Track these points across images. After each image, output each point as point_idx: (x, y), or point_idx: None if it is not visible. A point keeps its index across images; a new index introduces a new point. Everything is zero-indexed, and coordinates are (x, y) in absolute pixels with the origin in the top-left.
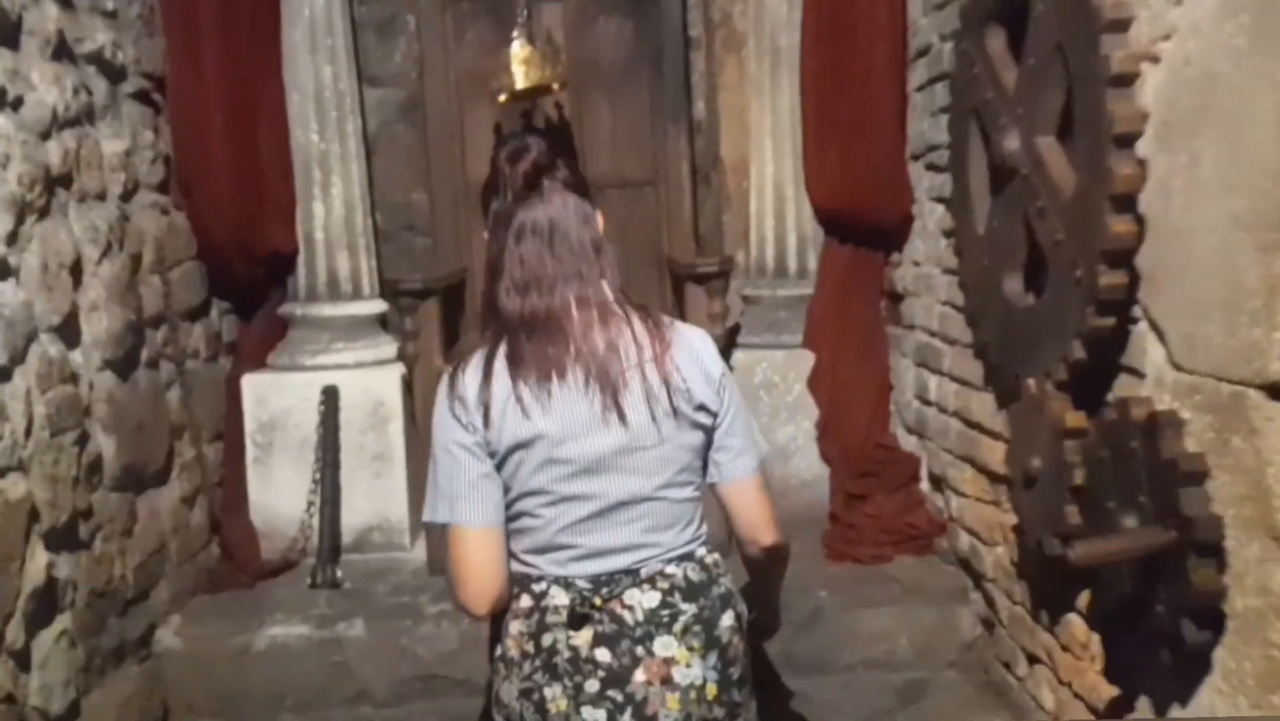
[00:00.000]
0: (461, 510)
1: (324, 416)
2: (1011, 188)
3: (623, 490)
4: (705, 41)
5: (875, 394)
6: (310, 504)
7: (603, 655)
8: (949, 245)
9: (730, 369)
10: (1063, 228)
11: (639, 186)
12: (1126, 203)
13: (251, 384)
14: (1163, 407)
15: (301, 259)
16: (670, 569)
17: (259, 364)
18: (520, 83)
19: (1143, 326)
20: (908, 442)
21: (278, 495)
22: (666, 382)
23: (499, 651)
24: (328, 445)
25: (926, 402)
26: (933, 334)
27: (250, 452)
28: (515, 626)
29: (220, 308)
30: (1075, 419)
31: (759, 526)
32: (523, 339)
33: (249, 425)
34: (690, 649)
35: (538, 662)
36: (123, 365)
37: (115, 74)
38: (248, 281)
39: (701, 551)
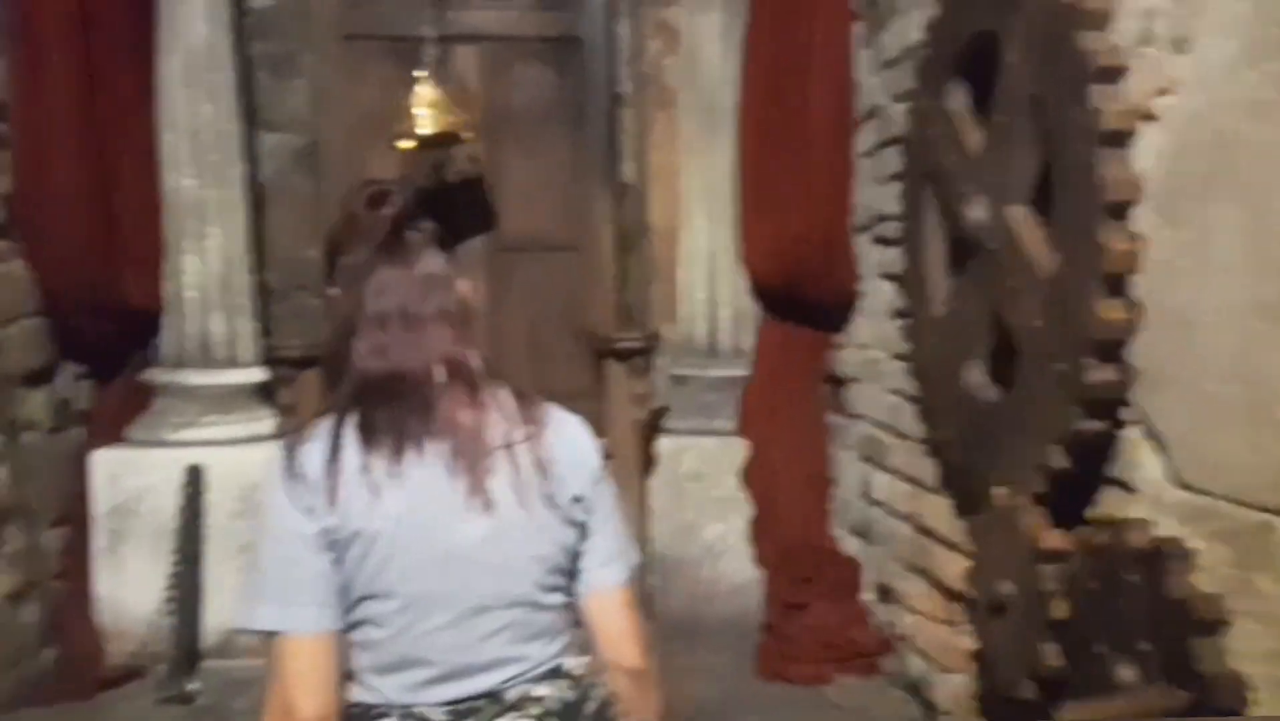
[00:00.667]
0: (292, 614)
1: (187, 499)
2: (975, 264)
3: (487, 591)
4: (635, 97)
5: (815, 489)
6: (167, 600)
7: None
8: (900, 327)
9: (655, 457)
10: (1040, 312)
11: (558, 250)
12: (1119, 284)
13: (104, 460)
14: (1164, 534)
15: (169, 320)
16: (539, 690)
17: (115, 437)
18: (426, 128)
19: (1136, 432)
20: (850, 545)
21: (130, 589)
22: (541, 469)
23: None
24: (189, 532)
25: (873, 502)
26: (880, 425)
27: (100, 539)
28: None
29: (73, 371)
30: (1055, 539)
31: (623, 648)
32: (378, 405)
33: (100, 507)
34: None
35: None
36: None
37: None
38: (102, 342)
39: (570, 663)
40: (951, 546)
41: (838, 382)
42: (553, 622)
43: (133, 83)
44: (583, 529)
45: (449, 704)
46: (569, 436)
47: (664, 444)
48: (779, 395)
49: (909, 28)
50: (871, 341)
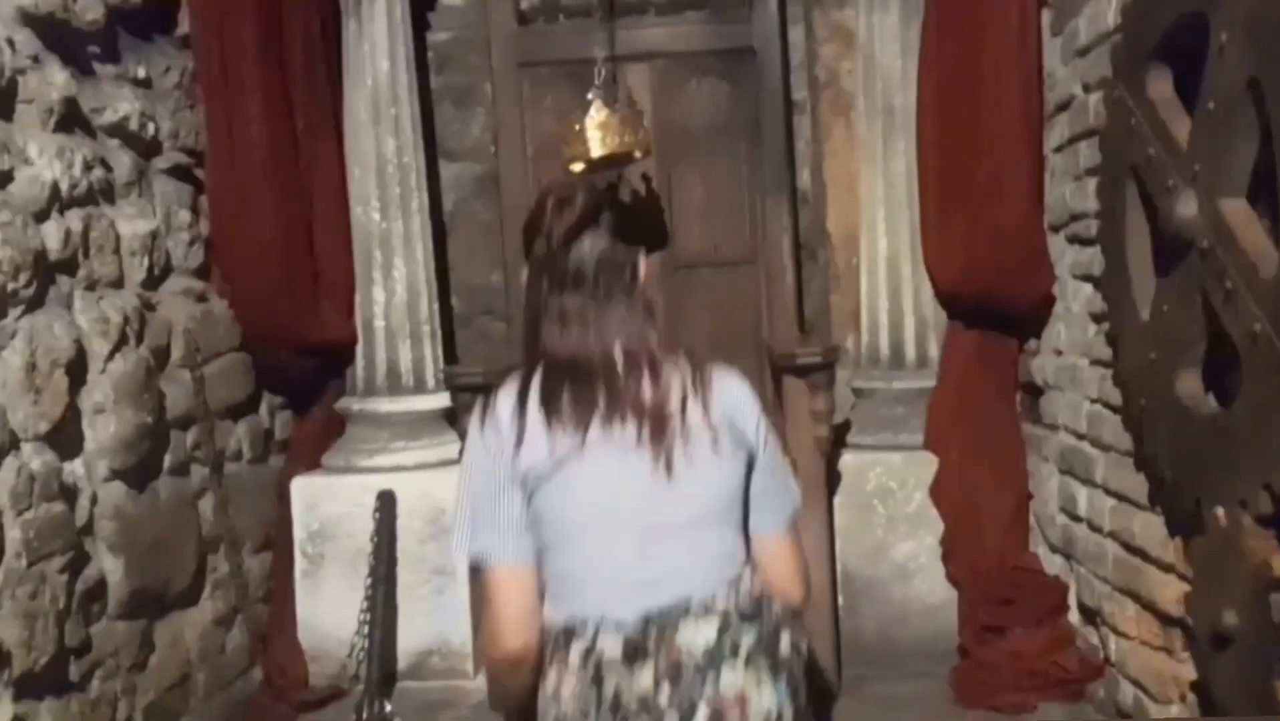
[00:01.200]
0: (495, 545)
1: (379, 524)
2: (1186, 264)
3: (667, 517)
4: (810, 104)
5: (1012, 505)
6: (362, 623)
7: (664, 697)
8: (1099, 332)
9: (838, 474)
10: (1264, 316)
11: (736, 265)
12: None
13: (302, 487)
14: None
15: (360, 349)
16: (720, 601)
17: (312, 464)
18: (596, 150)
19: None
20: (1052, 564)
21: (328, 612)
22: (711, 425)
23: (552, 715)
24: (381, 557)
25: (1075, 518)
26: (1081, 436)
27: (299, 564)
28: (570, 682)
29: (271, 402)
30: None
31: (787, 587)
32: (565, 380)
33: (298, 533)
34: (758, 678)
35: (604, 712)
36: (136, 474)
37: (145, 148)
38: (300, 374)
39: (748, 581)
40: (1165, 568)
41: (1033, 391)
42: (728, 549)
43: (321, 122)
44: (749, 470)
45: (639, 614)
46: (736, 391)
47: (848, 460)
48: (970, 405)
49: (1104, 12)
50: (1068, 347)
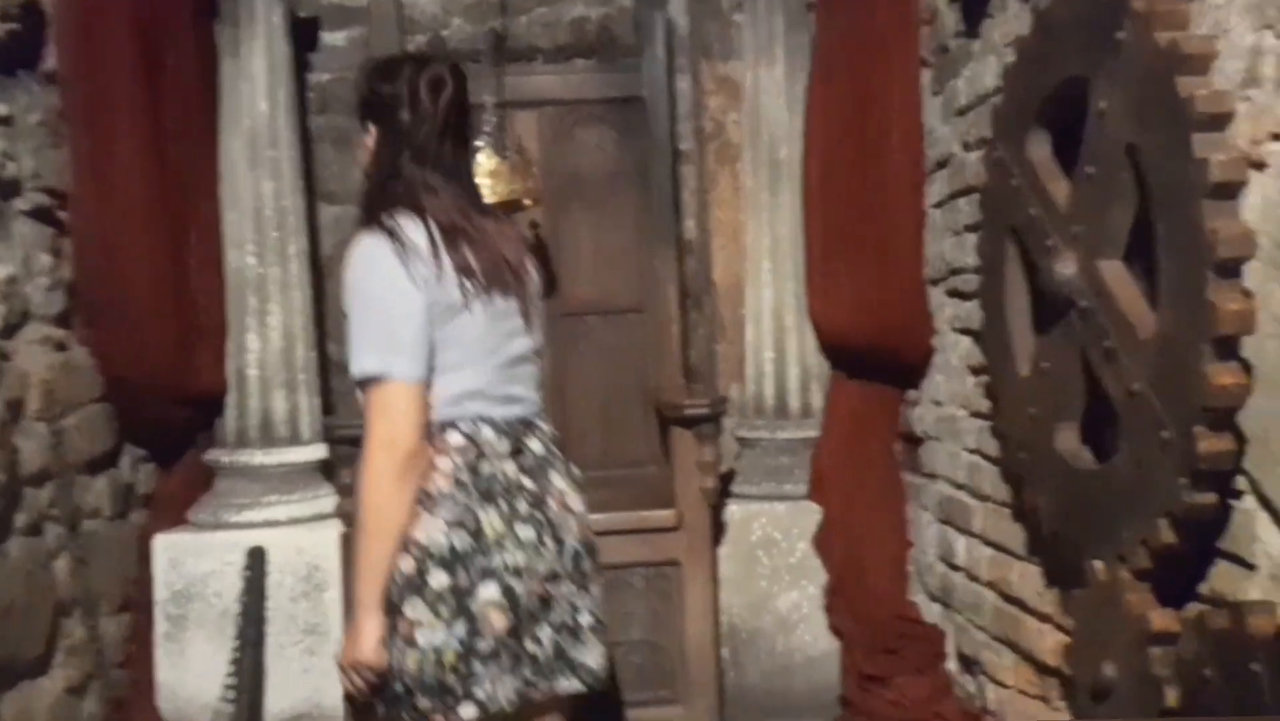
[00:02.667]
0: (402, 365)
1: (248, 582)
2: (1065, 323)
3: (524, 346)
4: (697, 153)
5: (893, 554)
6: (228, 687)
7: (528, 482)
8: (977, 384)
9: (723, 524)
10: (1142, 376)
11: (623, 313)
12: (1231, 347)
13: (165, 545)
14: None
15: (232, 398)
16: (541, 422)
17: (177, 520)
18: (487, 197)
19: (1250, 503)
20: (930, 612)
21: (191, 676)
22: (535, 283)
23: (422, 493)
24: (251, 617)
25: (953, 567)
26: (960, 486)
27: (161, 626)
28: (446, 463)
29: (134, 455)
30: (1163, 620)
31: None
32: (458, 232)
33: (160, 593)
34: (573, 486)
35: (473, 491)
36: None
37: (4, 188)
38: (166, 425)
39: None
40: (1043, 618)
41: (913, 441)
42: (538, 379)
43: (196, 164)
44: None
45: (506, 420)
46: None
47: (733, 510)
48: (852, 456)
49: (983, 74)
50: (947, 398)
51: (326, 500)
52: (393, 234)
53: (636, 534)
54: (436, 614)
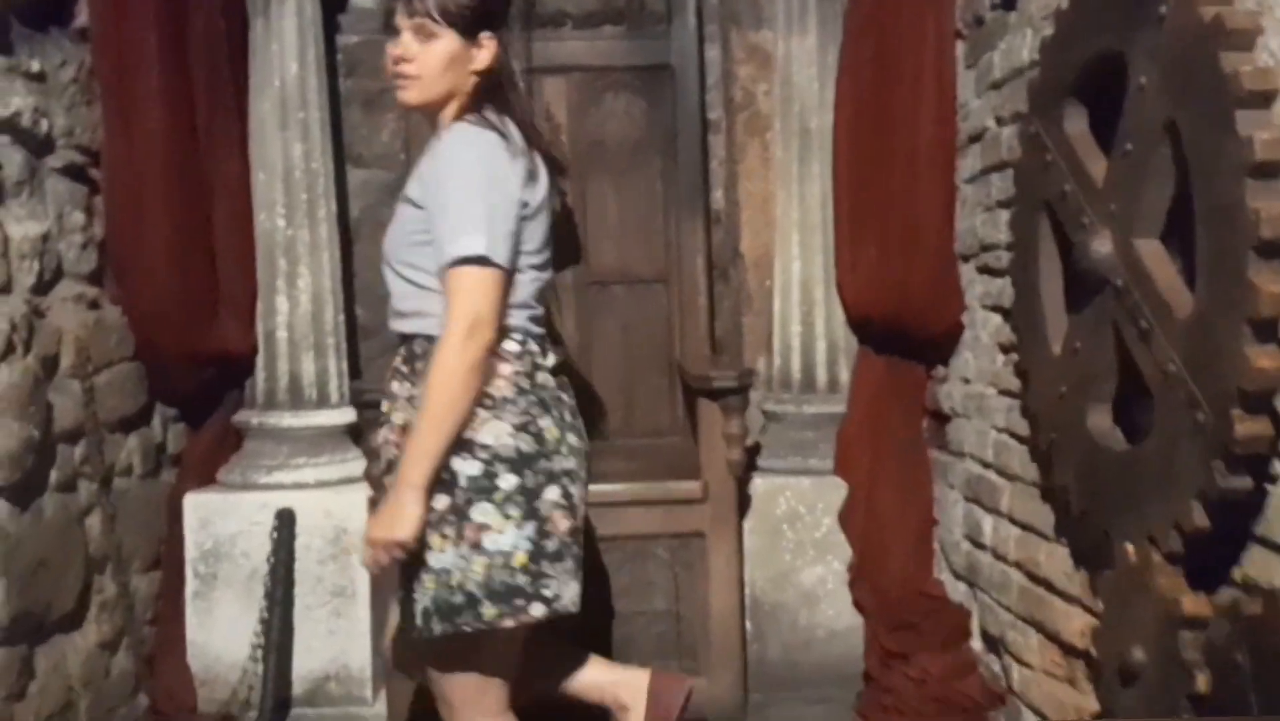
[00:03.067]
0: (502, 252)
1: (276, 544)
2: (1099, 301)
3: (550, 262)
4: (726, 124)
5: (917, 531)
6: (255, 647)
7: (564, 394)
8: (1006, 362)
9: (749, 497)
10: (1177, 357)
11: (648, 283)
12: (1270, 329)
13: (195, 504)
14: None
15: (261, 360)
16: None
17: (207, 480)
18: None
19: None
20: (955, 591)
21: (220, 635)
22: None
23: (484, 396)
24: (279, 578)
25: (979, 546)
26: (987, 465)
27: (190, 585)
28: (507, 368)
29: (165, 415)
30: (1194, 604)
31: None
32: (521, 115)
33: (190, 552)
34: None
35: (532, 398)
36: (20, 492)
37: (38, 145)
38: (196, 386)
39: None
40: (1070, 599)
41: (940, 418)
42: None
43: (225, 124)
44: None
45: (539, 335)
46: None
47: (759, 484)
48: (878, 431)
49: (1019, 47)
50: (976, 375)
51: (354, 464)
52: (500, 131)
53: (661, 505)
54: (506, 515)
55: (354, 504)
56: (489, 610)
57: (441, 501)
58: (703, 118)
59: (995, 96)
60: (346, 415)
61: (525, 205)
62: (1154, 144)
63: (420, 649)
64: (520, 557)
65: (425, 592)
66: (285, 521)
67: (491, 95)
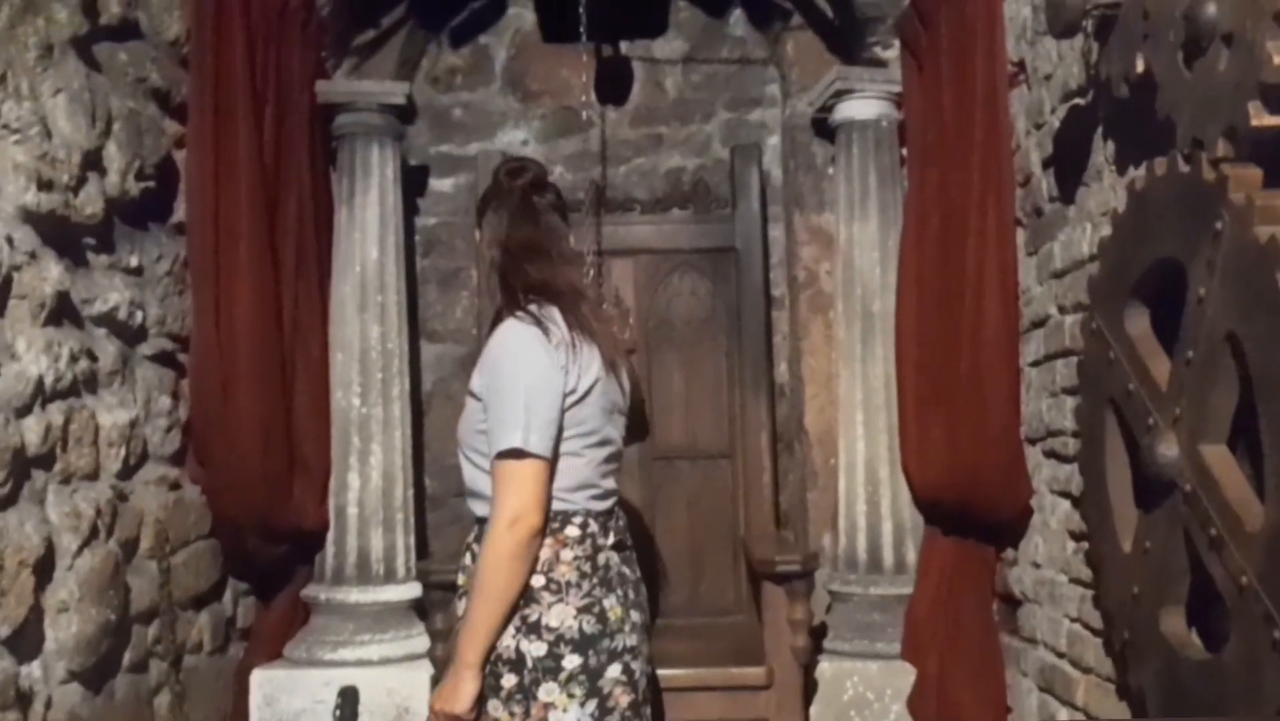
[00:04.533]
0: (541, 444)
1: None
2: (1169, 503)
3: (619, 439)
4: (789, 301)
5: (991, 719)
6: None
7: (628, 571)
8: (1077, 550)
9: (814, 681)
10: (1251, 569)
11: (713, 458)
12: None
13: (261, 680)
14: None
15: (331, 535)
16: (621, 513)
17: (274, 654)
18: None
19: None
20: None
21: None
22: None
23: (543, 581)
24: None
25: None
26: (1061, 655)
27: None
28: (568, 553)
29: (236, 589)
30: None
31: None
32: (565, 309)
33: None
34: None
35: (595, 580)
36: (94, 675)
37: (131, 335)
38: (269, 561)
39: None
40: None
41: (1011, 602)
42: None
43: (308, 307)
44: None
45: (603, 512)
46: None
47: (825, 667)
48: (947, 615)
49: (1079, 240)
50: (1046, 561)
51: (419, 640)
52: (539, 322)
53: (725, 691)
54: (570, 695)
55: (417, 682)
56: None
57: (510, 680)
58: (767, 295)
59: (1057, 285)
60: (413, 590)
61: (573, 391)
62: (1216, 353)
63: None
64: None
65: None
66: (349, 700)
67: (525, 273)
